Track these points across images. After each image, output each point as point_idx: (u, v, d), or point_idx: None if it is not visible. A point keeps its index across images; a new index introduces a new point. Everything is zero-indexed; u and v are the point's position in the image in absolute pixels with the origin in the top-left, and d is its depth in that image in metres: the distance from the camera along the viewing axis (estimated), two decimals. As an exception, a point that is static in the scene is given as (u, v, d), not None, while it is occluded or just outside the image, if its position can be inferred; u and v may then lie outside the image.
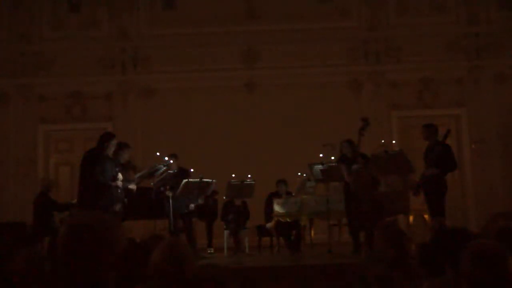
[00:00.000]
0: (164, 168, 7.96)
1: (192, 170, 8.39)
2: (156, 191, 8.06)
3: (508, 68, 11.06)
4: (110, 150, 7.10)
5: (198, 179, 7.98)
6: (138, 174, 8.30)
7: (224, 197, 8.65)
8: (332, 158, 8.18)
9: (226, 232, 8.97)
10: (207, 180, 8.15)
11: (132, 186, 7.40)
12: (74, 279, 1.77)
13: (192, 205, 8.40)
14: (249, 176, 8.57)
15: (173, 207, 7.82)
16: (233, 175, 8.47)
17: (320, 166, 7.90)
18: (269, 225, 8.95)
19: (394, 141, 9.74)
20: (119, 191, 7.05)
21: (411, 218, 8.34)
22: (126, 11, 11.40)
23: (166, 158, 7.99)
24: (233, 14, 11.30)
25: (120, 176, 7.08)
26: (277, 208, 8.63)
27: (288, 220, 8.61)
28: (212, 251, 8.90)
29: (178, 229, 8.00)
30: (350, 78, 11.24)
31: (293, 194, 9.11)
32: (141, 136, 11.05)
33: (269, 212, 8.91)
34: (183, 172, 8.19)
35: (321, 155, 8.18)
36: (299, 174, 9.15)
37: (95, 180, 6.81)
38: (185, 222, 8.13)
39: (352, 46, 11.28)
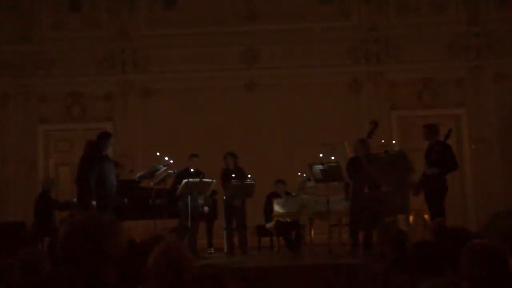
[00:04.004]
0: (164, 168, 7.98)
1: (192, 170, 8.44)
2: (172, 190, 8.13)
3: (508, 68, 11.06)
4: (108, 150, 7.14)
5: (198, 179, 8.01)
6: (138, 174, 8.33)
7: (223, 197, 8.65)
8: (332, 158, 8.18)
9: (225, 232, 8.96)
10: (207, 180, 8.17)
11: None
12: (74, 279, 1.77)
13: (206, 208, 8.48)
14: (249, 176, 8.57)
15: (190, 206, 7.88)
16: (233, 175, 8.47)
17: (320, 166, 7.90)
18: (269, 225, 8.95)
19: (394, 141, 9.73)
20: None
21: (411, 218, 8.34)
22: (126, 11, 11.40)
23: (166, 158, 8.00)
24: (233, 14, 11.30)
25: None
26: (277, 208, 8.64)
27: (288, 220, 8.61)
28: (212, 251, 8.90)
29: (187, 230, 8.05)
30: (350, 78, 11.23)
31: (293, 194, 9.11)
32: (141, 136, 11.06)
33: (269, 212, 8.91)
34: (199, 173, 8.27)
35: (321, 155, 8.18)
36: (299, 174, 9.15)
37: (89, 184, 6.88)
38: (193, 223, 8.15)
39: (352, 46, 11.27)
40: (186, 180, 7.91)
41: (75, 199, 7.99)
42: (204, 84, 11.14)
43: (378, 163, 7.53)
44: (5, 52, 11.23)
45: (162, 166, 7.98)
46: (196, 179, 8.00)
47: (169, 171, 8.06)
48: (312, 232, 8.70)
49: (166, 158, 7.99)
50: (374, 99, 11.15)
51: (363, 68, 11.26)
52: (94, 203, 6.93)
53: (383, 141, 8.43)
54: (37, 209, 8.57)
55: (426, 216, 8.29)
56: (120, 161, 8.43)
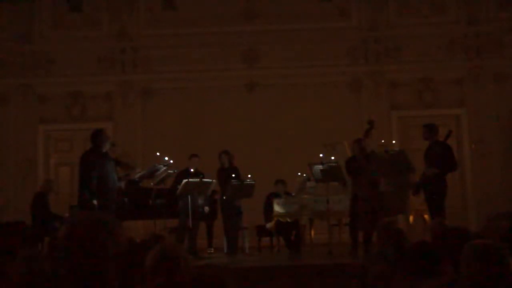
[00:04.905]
0: (164, 168, 7.98)
1: (192, 170, 8.45)
2: (172, 190, 8.14)
3: (508, 68, 11.05)
4: (107, 145, 7.12)
5: (198, 179, 8.01)
6: (138, 174, 8.33)
7: (223, 197, 8.65)
8: (332, 158, 8.18)
9: (225, 232, 8.95)
10: (207, 180, 8.17)
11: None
12: (74, 279, 1.77)
13: (206, 208, 8.50)
14: (249, 176, 8.57)
15: (190, 206, 7.89)
16: (233, 175, 8.46)
17: (320, 166, 7.90)
18: (269, 225, 8.95)
19: (394, 141, 9.74)
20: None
21: (411, 218, 8.34)
22: (126, 11, 11.40)
23: (166, 158, 8.00)
24: (233, 14, 11.30)
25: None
26: (277, 208, 8.64)
27: (288, 220, 8.60)
28: (212, 251, 8.90)
29: (187, 229, 8.05)
30: (350, 78, 11.23)
31: (293, 194, 9.11)
32: (141, 136, 11.05)
33: (268, 212, 8.91)
34: (199, 174, 8.29)
35: (321, 155, 8.18)
36: (299, 174, 9.15)
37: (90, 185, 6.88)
38: (193, 223, 8.15)
39: (352, 46, 11.27)
40: (186, 180, 7.91)
41: (66, 215, 8.06)
42: (204, 84, 11.14)
43: (378, 163, 7.53)
44: (5, 51, 11.23)
45: (162, 166, 7.97)
46: (196, 179, 8.00)
47: (169, 171, 8.06)
48: (312, 232, 8.70)
49: (166, 158, 7.99)
50: (374, 99, 11.15)
51: (363, 68, 11.26)
52: (95, 202, 6.91)
53: (383, 141, 8.43)
54: (35, 210, 8.57)
55: (426, 216, 8.30)
56: (132, 163, 8.42)
